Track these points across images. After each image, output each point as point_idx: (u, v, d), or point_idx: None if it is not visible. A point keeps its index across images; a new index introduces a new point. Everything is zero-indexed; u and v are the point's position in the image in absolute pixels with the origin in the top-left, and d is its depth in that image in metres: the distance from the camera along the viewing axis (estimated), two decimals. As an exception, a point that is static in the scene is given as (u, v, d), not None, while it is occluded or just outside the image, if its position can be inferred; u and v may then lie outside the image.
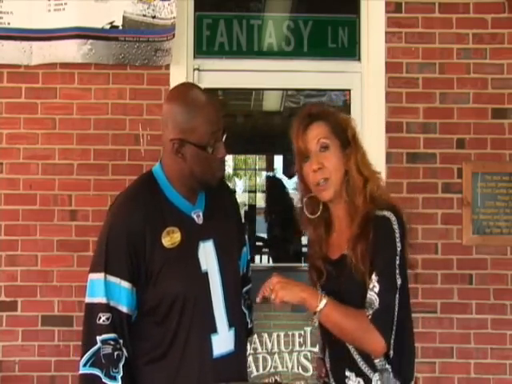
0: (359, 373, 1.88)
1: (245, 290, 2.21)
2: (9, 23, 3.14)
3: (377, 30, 3.32)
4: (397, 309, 1.82)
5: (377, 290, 1.79)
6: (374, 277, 1.80)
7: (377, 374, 1.85)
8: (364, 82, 3.37)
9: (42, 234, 3.21)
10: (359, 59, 3.41)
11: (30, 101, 3.25)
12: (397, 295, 1.82)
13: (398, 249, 1.83)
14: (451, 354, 3.22)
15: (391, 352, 1.82)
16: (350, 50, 3.45)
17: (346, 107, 3.61)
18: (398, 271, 1.82)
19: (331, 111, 1.99)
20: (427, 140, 3.29)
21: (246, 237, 2.26)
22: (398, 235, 1.83)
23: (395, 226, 1.83)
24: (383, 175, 3.16)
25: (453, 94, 3.30)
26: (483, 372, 3.22)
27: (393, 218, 1.84)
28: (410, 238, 1.89)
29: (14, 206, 3.22)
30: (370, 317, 1.78)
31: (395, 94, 3.29)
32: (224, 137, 1.95)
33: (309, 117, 1.93)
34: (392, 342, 1.82)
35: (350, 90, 3.43)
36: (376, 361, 1.84)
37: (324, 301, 1.78)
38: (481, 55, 3.31)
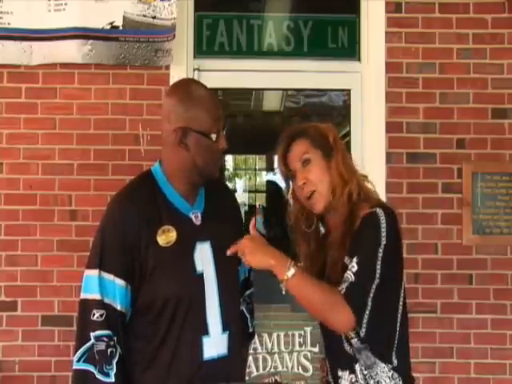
0: (351, 368, 1.89)
1: (247, 293, 2.21)
2: (9, 23, 3.13)
3: (377, 30, 3.32)
4: (371, 298, 1.80)
5: (354, 270, 1.80)
6: (354, 259, 1.82)
7: (358, 364, 1.87)
8: (364, 82, 3.37)
9: (42, 234, 3.21)
10: (359, 59, 3.41)
11: (29, 101, 3.25)
12: (374, 284, 1.81)
13: (383, 242, 1.83)
14: (451, 353, 3.22)
15: (362, 332, 1.80)
16: (350, 50, 3.45)
17: (346, 107, 3.61)
18: (379, 263, 1.82)
19: (310, 125, 2.03)
20: (427, 140, 3.29)
21: None
22: (383, 229, 1.84)
23: (382, 220, 1.84)
24: (383, 175, 3.22)
25: (453, 94, 3.30)
26: (483, 372, 3.22)
27: (380, 213, 1.86)
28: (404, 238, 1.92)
29: (13, 206, 3.22)
30: (342, 291, 1.79)
31: (395, 94, 3.29)
32: (224, 130, 1.98)
33: (288, 138, 1.99)
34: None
35: (349, 90, 3.43)
36: (354, 341, 1.85)
37: (292, 270, 1.77)
38: (481, 55, 3.31)
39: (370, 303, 1.79)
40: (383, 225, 1.84)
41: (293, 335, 2.33)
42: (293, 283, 1.77)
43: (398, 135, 3.28)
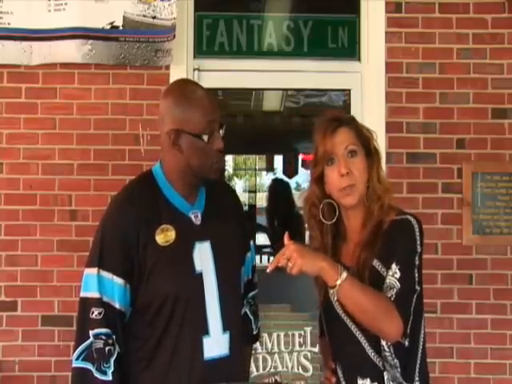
0: (374, 375, 1.85)
1: (250, 295, 2.20)
2: (9, 23, 3.13)
3: (377, 30, 3.32)
4: (412, 307, 1.80)
5: (398, 276, 1.78)
6: (393, 265, 1.79)
7: (386, 373, 1.83)
8: (364, 82, 3.37)
9: (42, 234, 3.21)
10: (359, 59, 3.41)
11: (29, 101, 3.25)
12: (415, 293, 1.81)
13: (418, 250, 1.84)
14: (451, 353, 3.22)
15: (406, 342, 1.80)
16: (350, 50, 3.45)
17: (346, 107, 3.61)
18: (416, 270, 1.82)
19: (355, 120, 2.01)
20: (427, 140, 3.29)
21: (251, 242, 2.23)
22: (418, 237, 1.84)
23: (416, 229, 1.85)
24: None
25: (453, 94, 3.30)
26: (483, 372, 3.22)
27: (414, 222, 1.86)
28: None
29: (13, 206, 3.22)
30: (392, 297, 1.76)
31: (395, 94, 3.29)
32: (222, 130, 1.97)
33: (336, 121, 1.93)
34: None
35: (349, 90, 3.43)
36: (387, 354, 1.82)
37: (345, 274, 1.70)
38: (481, 55, 3.31)
39: (411, 312, 1.79)
40: (417, 233, 1.84)
41: (293, 335, 2.33)
42: (346, 287, 1.70)
43: (398, 135, 3.28)
